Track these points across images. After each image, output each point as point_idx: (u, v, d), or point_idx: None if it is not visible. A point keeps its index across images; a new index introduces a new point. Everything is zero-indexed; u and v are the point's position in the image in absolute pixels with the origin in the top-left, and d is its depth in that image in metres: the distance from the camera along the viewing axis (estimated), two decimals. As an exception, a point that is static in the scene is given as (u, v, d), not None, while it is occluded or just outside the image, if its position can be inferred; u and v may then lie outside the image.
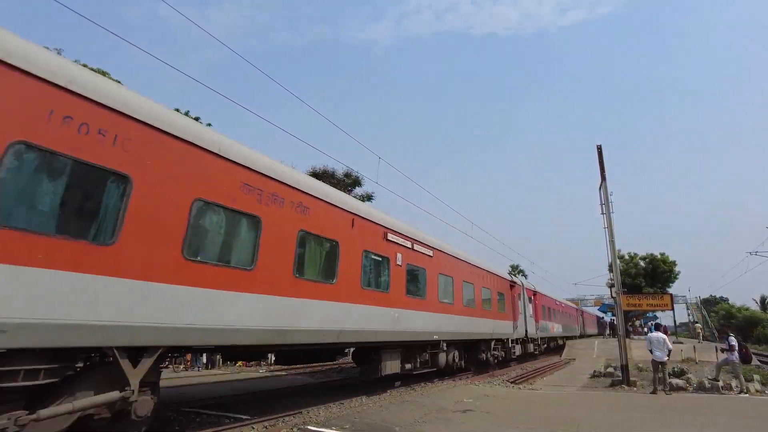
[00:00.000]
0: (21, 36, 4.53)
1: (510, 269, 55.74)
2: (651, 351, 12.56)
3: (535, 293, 25.48)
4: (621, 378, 14.17)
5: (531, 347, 24.30)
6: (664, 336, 12.63)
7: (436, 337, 12.88)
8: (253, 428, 7.00)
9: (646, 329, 37.66)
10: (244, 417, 7.58)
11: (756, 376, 14.25)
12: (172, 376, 14.61)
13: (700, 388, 12.73)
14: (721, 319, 61.34)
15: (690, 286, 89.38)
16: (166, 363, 8.63)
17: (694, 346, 21.53)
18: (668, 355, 12.44)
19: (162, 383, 11.53)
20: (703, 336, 36.58)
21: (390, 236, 10.91)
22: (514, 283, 21.71)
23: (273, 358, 16.14)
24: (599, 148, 16.26)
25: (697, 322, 49.64)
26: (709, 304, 78.11)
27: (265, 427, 7.06)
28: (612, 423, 7.73)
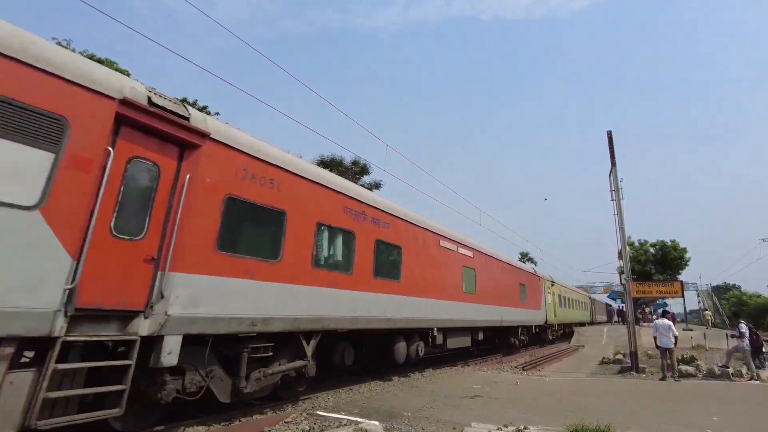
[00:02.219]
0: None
1: (520, 256, 55.65)
2: (656, 338, 12.56)
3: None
4: (630, 365, 14.15)
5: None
6: (670, 322, 12.57)
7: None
8: (264, 413, 7.11)
9: (655, 316, 37.40)
10: (253, 402, 7.68)
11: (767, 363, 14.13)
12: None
13: (710, 375, 12.66)
14: (732, 306, 60.73)
15: (701, 273, 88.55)
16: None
17: (704, 333, 21.37)
18: (675, 342, 12.38)
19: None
20: (712, 323, 36.23)
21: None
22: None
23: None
24: (609, 134, 16.00)
25: (706, 310, 49.24)
26: (721, 291, 77.33)
27: (275, 412, 7.17)
28: (620, 409, 7.72)
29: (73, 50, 19.15)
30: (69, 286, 4.26)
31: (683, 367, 13.00)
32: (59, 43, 19.35)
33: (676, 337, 12.39)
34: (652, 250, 49.39)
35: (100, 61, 18.53)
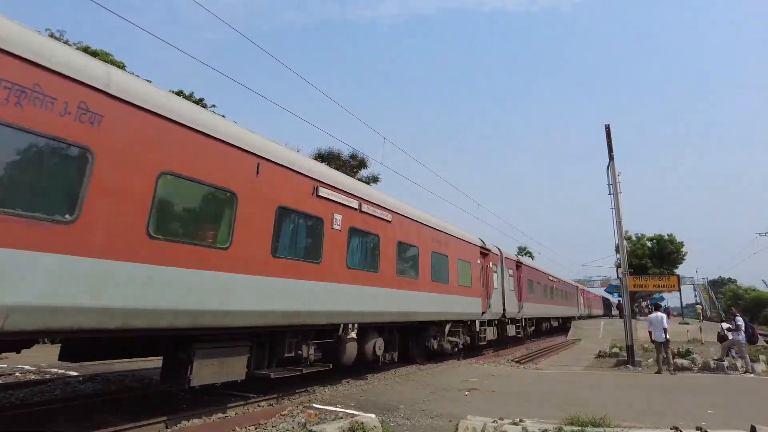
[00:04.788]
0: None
1: (518, 250, 55.74)
2: (650, 332, 12.65)
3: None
4: (626, 358, 14.23)
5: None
6: (663, 315, 12.67)
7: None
8: (260, 405, 7.12)
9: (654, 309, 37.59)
10: (250, 395, 7.69)
11: (762, 356, 14.24)
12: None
13: (705, 368, 12.75)
14: (728, 300, 61.14)
15: (698, 267, 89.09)
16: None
17: (700, 327, 21.52)
18: (665, 334, 12.36)
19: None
20: (707, 317, 36.51)
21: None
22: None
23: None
24: (607, 128, 15.97)
25: (698, 304, 49.63)
26: (717, 285, 77.88)
27: (271, 405, 7.17)
28: (616, 402, 7.75)
29: (67, 41, 18.95)
30: None
31: (679, 361, 13.08)
32: (52, 35, 19.14)
33: (665, 330, 12.40)
34: (649, 244, 49.65)
35: (95, 54, 18.31)
